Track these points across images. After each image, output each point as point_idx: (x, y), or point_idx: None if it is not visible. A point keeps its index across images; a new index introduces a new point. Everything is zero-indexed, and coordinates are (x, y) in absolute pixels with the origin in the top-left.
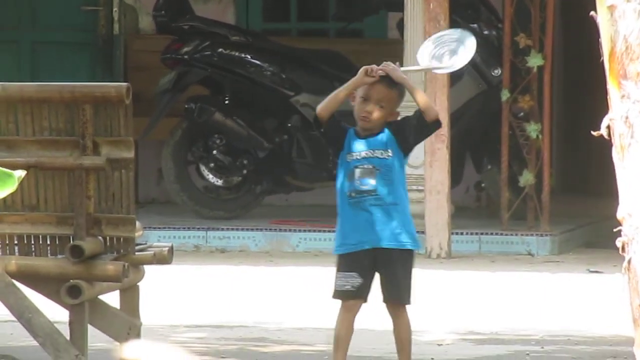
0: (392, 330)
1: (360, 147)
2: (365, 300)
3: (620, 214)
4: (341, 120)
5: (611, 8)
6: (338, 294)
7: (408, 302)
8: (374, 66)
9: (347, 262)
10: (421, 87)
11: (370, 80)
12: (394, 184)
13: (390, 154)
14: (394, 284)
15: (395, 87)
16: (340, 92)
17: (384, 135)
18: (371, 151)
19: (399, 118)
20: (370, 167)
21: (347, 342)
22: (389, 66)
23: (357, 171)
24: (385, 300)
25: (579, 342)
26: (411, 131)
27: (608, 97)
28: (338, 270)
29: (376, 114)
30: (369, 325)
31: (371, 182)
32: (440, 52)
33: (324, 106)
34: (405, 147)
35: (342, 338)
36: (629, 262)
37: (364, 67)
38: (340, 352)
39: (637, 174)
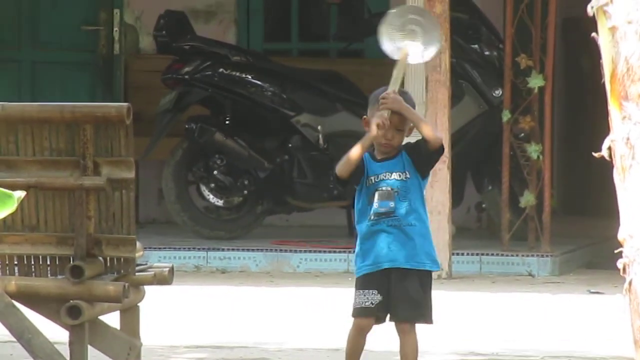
0: (396, 351)
1: (378, 171)
2: (382, 320)
3: (621, 236)
4: (358, 168)
5: (612, 29)
6: (357, 311)
7: (419, 321)
8: (384, 115)
9: (367, 280)
10: (422, 107)
11: (383, 128)
12: (412, 205)
13: (408, 176)
14: (405, 301)
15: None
16: (356, 151)
17: (402, 158)
18: (389, 173)
19: (413, 140)
20: (389, 189)
21: (359, 358)
22: (390, 101)
23: (377, 194)
24: (394, 319)
25: None
26: (423, 156)
27: (609, 118)
28: (357, 288)
29: (397, 139)
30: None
31: (390, 204)
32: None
33: (343, 168)
34: (421, 169)
35: (352, 355)
36: (630, 283)
37: (375, 122)
38: None
39: (638, 195)
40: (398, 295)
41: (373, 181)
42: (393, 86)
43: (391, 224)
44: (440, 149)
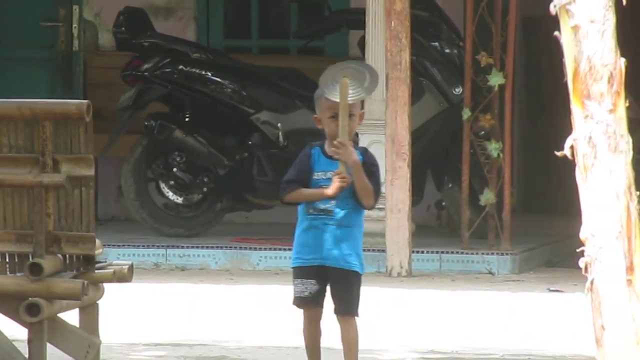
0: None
1: (327, 167)
2: (322, 307)
3: (583, 234)
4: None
5: (575, 28)
6: (298, 300)
7: (354, 314)
8: (346, 177)
9: (304, 271)
10: (382, 104)
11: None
12: (352, 207)
13: (353, 180)
14: (341, 298)
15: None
16: (312, 196)
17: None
18: (346, 171)
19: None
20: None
21: (318, 349)
22: (343, 155)
23: (336, 141)
24: (335, 312)
25: None
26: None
27: (571, 117)
28: (295, 277)
29: (350, 125)
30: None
31: (331, 202)
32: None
33: (295, 200)
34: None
35: (311, 346)
36: (592, 282)
37: (338, 185)
38: (316, 357)
39: (600, 194)
40: (333, 292)
41: (320, 177)
42: (343, 135)
43: (329, 222)
44: (369, 208)
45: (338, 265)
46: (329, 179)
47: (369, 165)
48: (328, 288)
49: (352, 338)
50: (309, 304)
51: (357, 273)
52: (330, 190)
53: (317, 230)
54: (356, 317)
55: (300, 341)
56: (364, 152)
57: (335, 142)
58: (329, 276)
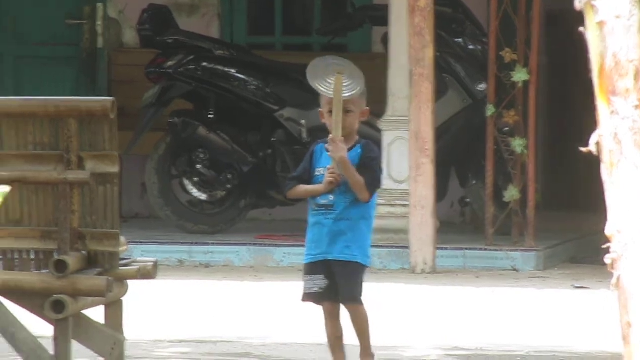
0: None
1: (328, 163)
2: (335, 301)
3: (609, 231)
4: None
5: (601, 24)
6: (307, 296)
7: (358, 301)
8: (336, 172)
9: (312, 267)
10: (406, 101)
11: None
12: (352, 200)
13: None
14: (343, 287)
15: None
16: (309, 192)
17: (354, 155)
18: (337, 167)
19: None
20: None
21: (340, 344)
22: (334, 151)
23: (329, 138)
24: (341, 301)
25: (565, 358)
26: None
27: (597, 113)
28: (305, 274)
29: (348, 121)
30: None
31: (330, 197)
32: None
33: (298, 196)
34: None
35: (333, 340)
36: (618, 279)
37: (327, 180)
38: (338, 355)
39: (626, 190)
40: (340, 284)
41: (320, 173)
42: (336, 131)
43: (328, 217)
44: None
45: (339, 258)
46: None
47: (366, 159)
48: None
49: (360, 322)
50: (321, 299)
51: (358, 264)
52: (322, 186)
53: (320, 225)
54: (362, 305)
55: (323, 338)
56: (365, 145)
57: (329, 141)
58: (333, 268)
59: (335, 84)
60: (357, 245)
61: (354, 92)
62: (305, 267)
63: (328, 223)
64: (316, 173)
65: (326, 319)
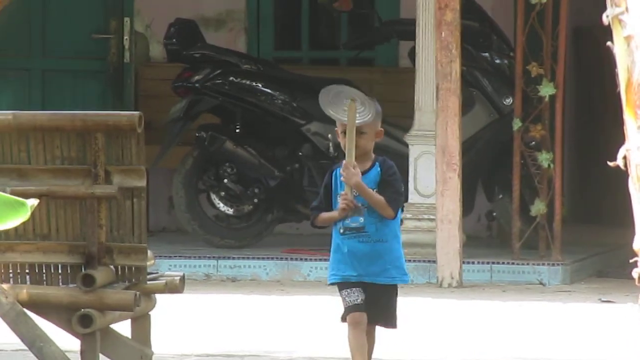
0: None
1: (343, 188)
2: (365, 314)
3: (636, 245)
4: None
5: (628, 39)
6: (351, 308)
7: (395, 326)
8: (348, 198)
9: (347, 284)
10: (433, 115)
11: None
12: (382, 220)
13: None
14: (382, 311)
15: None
16: (329, 220)
17: (375, 174)
18: (350, 192)
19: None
20: (359, 204)
21: (365, 354)
22: (348, 178)
23: (343, 163)
24: (372, 323)
25: None
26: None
27: (624, 127)
28: (342, 289)
29: (362, 142)
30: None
31: (360, 220)
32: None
33: (321, 224)
34: None
35: (357, 352)
36: None
37: (340, 207)
38: None
39: None
40: (372, 306)
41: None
42: (350, 158)
43: (362, 240)
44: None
45: (377, 282)
46: (355, 197)
47: (386, 176)
48: None
49: (372, 346)
50: (360, 310)
51: (396, 286)
52: (337, 213)
53: (351, 249)
54: (391, 329)
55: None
56: (382, 162)
57: (343, 167)
58: (368, 291)
59: (348, 110)
60: (393, 266)
61: (367, 118)
62: (338, 285)
63: (362, 247)
64: (338, 199)
65: (355, 329)
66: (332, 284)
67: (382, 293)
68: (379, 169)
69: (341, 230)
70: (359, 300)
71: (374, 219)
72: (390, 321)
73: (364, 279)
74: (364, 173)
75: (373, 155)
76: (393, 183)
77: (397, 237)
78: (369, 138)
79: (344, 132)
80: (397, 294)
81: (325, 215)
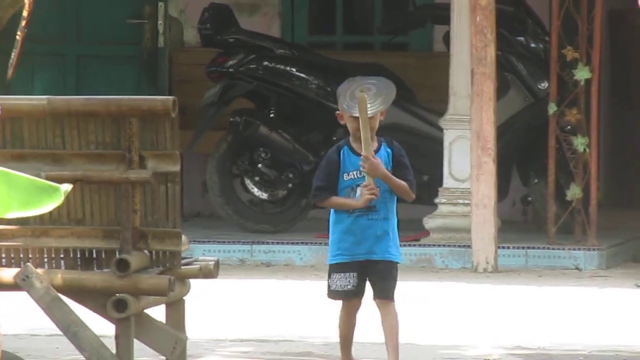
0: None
1: (354, 168)
2: (361, 299)
3: None
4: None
5: None
6: (339, 294)
7: (393, 299)
8: (374, 190)
9: (345, 266)
10: (468, 100)
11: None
12: (388, 200)
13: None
14: (385, 286)
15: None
16: (342, 205)
17: (384, 154)
18: (372, 182)
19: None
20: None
21: (352, 339)
22: (369, 168)
23: (359, 189)
24: (376, 298)
25: (628, 357)
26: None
27: None
28: (335, 272)
29: (372, 124)
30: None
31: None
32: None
33: (327, 206)
34: None
35: (349, 337)
36: None
37: (367, 198)
38: (348, 349)
39: None
40: (379, 281)
41: (354, 176)
42: (367, 149)
43: (372, 217)
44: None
45: (381, 258)
46: (364, 177)
47: (399, 157)
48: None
49: (394, 319)
50: (351, 296)
51: (397, 263)
52: (360, 202)
53: (362, 227)
54: (394, 302)
55: (382, 337)
56: (390, 142)
57: (362, 157)
58: (371, 268)
59: (359, 103)
60: (394, 244)
61: (378, 108)
62: (335, 266)
63: (372, 224)
64: (345, 178)
65: (348, 315)
66: (340, 263)
67: (385, 269)
68: (388, 149)
69: (352, 210)
70: (349, 287)
71: (383, 197)
72: (389, 294)
73: (373, 257)
74: (374, 152)
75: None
76: (407, 164)
77: (395, 217)
78: (376, 118)
79: (352, 116)
80: (397, 270)
81: (340, 200)
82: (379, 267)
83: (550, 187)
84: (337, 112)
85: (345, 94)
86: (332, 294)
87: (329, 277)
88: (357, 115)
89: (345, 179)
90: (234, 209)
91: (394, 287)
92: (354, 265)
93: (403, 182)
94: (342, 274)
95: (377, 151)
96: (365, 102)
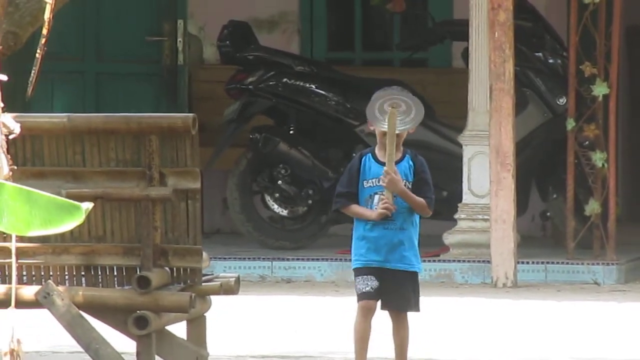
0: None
1: (379, 174)
2: (377, 303)
3: None
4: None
5: None
6: (359, 296)
7: (408, 310)
8: (390, 205)
9: (364, 270)
10: (486, 116)
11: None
12: (408, 210)
13: (408, 186)
14: (397, 295)
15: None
16: (359, 215)
17: (406, 166)
18: (390, 197)
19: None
20: (396, 207)
21: (368, 342)
22: (389, 184)
23: (377, 197)
24: (388, 308)
25: None
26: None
27: None
28: (356, 276)
29: (399, 137)
30: None
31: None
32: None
33: (345, 212)
34: None
35: (365, 339)
36: None
37: (381, 212)
38: (364, 352)
39: None
40: (390, 291)
41: (374, 183)
42: (390, 165)
43: (387, 227)
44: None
45: (399, 267)
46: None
47: (421, 172)
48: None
49: (405, 332)
50: (371, 298)
51: (416, 273)
52: (374, 215)
53: (378, 235)
54: (414, 312)
55: (413, 351)
56: (414, 156)
57: (384, 172)
58: (389, 277)
59: (389, 118)
60: (413, 253)
61: (407, 126)
62: (356, 270)
63: (388, 234)
64: (365, 185)
65: (364, 316)
66: (356, 268)
67: (404, 279)
68: (411, 162)
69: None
70: (368, 288)
71: (402, 208)
72: (413, 306)
73: (386, 265)
74: (396, 163)
75: (401, 147)
76: (428, 181)
77: (415, 228)
78: (405, 132)
79: (383, 132)
80: (417, 280)
81: (358, 209)
82: (392, 276)
83: (569, 203)
84: (369, 120)
85: (374, 105)
86: (358, 297)
87: (355, 282)
88: (385, 129)
89: (365, 186)
90: (255, 226)
91: (408, 298)
92: (371, 270)
93: (421, 200)
94: (360, 277)
95: (400, 161)
96: (394, 118)
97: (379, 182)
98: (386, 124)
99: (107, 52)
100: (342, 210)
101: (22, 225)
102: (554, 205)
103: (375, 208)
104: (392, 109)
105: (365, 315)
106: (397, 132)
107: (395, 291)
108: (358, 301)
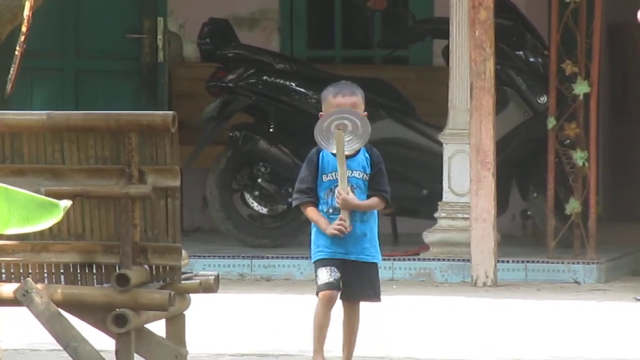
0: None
1: (334, 169)
2: (338, 293)
3: None
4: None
5: None
6: (325, 286)
7: (373, 299)
8: (345, 225)
9: (327, 261)
10: (467, 114)
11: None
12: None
13: (366, 178)
14: (356, 286)
15: (357, 94)
16: (315, 222)
17: (363, 159)
18: (349, 171)
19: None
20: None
21: (326, 331)
22: (343, 204)
23: (337, 190)
24: (345, 298)
25: None
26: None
27: None
28: (318, 267)
29: None
30: None
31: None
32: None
33: (304, 212)
34: None
35: (324, 327)
36: None
37: (333, 232)
38: (322, 341)
39: None
40: (352, 282)
41: (333, 177)
42: (342, 184)
43: (350, 220)
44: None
45: (361, 259)
46: None
47: (377, 165)
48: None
49: (356, 322)
50: (334, 288)
51: (376, 264)
52: (328, 231)
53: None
54: (375, 302)
55: (393, 350)
56: (370, 149)
57: (336, 193)
58: (349, 268)
59: (336, 139)
60: (373, 245)
61: (355, 146)
62: (320, 262)
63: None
64: (324, 179)
65: (326, 306)
66: (320, 259)
67: (366, 270)
68: (367, 154)
69: (331, 210)
70: (331, 279)
71: (360, 198)
72: (375, 296)
73: (349, 257)
74: (352, 156)
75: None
76: (384, 172)
77: (375, 219)
78: (360, 108)
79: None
80: (378, 270)
81: (313, 215)
82: (353, 267)
83: (550, 201)
84: (321, 113)
85: (321, 128)
86: (318, 288)
87: (315, 276)
88: (334, 152)
89: (324, 180)
90: (234, 224)
91: (369, 288)
92: (334, 261)
93: (374, 202)
94: (325, 268)
95: (355, 155)
96: (341, 139)
97: (337, 175)
98: (334, 147)
99: (87, 49)
100: (300, 208)
101: (1, 222)
102: (535, 204)
103: (335, 191)
104: (338, 130)
105: (327, 306)
106: (346, 153)
107: (356, 282)
108: (319, 291)
